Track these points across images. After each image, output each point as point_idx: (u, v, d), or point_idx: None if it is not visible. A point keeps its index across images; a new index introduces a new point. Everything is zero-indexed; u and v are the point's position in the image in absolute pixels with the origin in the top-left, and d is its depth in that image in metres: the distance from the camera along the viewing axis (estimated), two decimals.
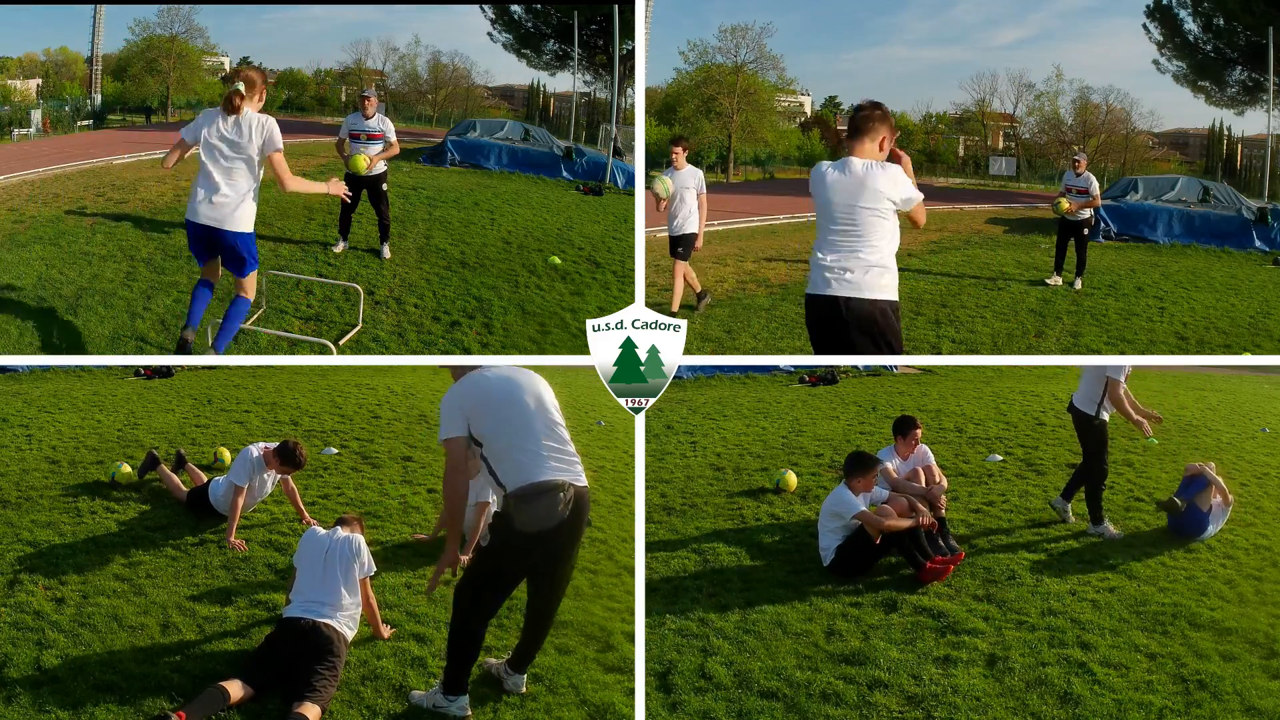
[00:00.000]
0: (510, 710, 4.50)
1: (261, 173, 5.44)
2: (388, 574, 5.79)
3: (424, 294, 8.33)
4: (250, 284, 5.67)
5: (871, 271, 4.44)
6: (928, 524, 5.95)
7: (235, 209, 5.34)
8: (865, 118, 4.52)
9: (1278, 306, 9.72)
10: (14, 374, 10.98)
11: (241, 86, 5.33)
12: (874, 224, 4.45)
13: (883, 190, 4.43)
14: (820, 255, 4.50)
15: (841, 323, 4.44)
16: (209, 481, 6.75)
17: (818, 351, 4.68)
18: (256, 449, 6.50)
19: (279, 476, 6.58)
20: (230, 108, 5.34)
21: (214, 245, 5.43)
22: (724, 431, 9.44)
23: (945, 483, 6.74)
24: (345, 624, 4.80)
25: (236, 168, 5.37)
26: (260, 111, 5.49)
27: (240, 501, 6.31)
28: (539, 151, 14.69)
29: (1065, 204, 10.03)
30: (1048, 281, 10.17)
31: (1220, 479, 6.81)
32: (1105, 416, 6.76)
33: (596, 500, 7.41)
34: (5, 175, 11.51)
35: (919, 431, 6.72)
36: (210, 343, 5.80)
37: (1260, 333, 8.94)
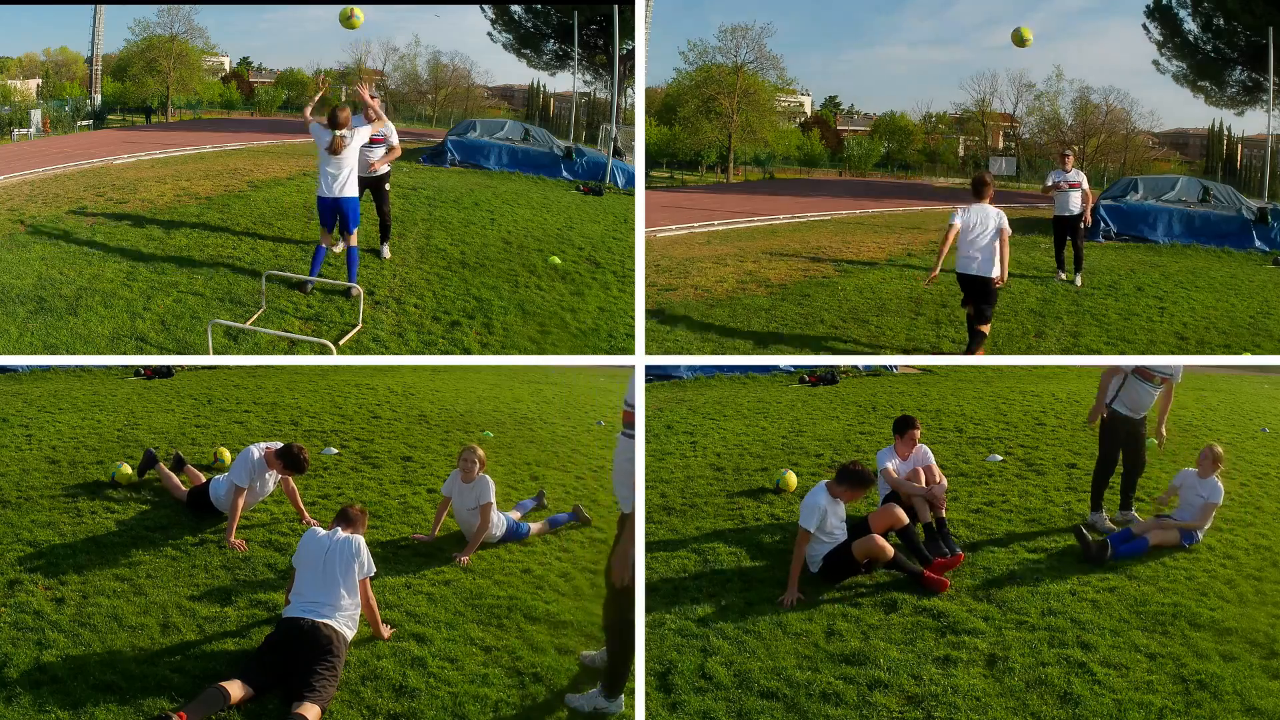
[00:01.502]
0: (510, 710, 4.51)
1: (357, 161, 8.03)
2: (388, 574, 5.79)
3: (424, 294, 8.33)
4: (354, 237, 8.22)
5: (994, 262, 7.49)
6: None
7: (346, 184, 7.97)
8: (987, 186, 7.62)
9: (1278, 306, 9.72)
10: (14, 374, 10.98)
11: (340, 132, 7.83)
12: (994, 242, 7.48)
13: (1003, 226, 7.49)
14: (965, 253, 7.53)
15: (977, 285, 7.55)
16: (209, 481, 6.75)
17: (965, 295, 7.67)
18: (258, 449, 6.49)
19: (280, 476, 6.58)
20: (335, 150, 7.82)
21: (338, 210, 8.02)
22: (724, 431, 9.44)
23: (945, 482, 6.74)
24: (345, 624, 4.81)
25: (346, 164, 7.93)
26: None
27: (241, 502, 6.31)
28: (539, 151, 14.69)
29: (1026, 32, 9.28)
30: (1055, 279, 10.21)
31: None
32: (1117, 409, 6.81)
33: (596, 500, 7.41)
34: (5, 175, 11.51)
35: (917, 432, 6.71)
36: (349, 279, 8.13)
37: (1260, 333, 8.94)
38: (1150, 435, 7.06)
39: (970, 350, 7.81)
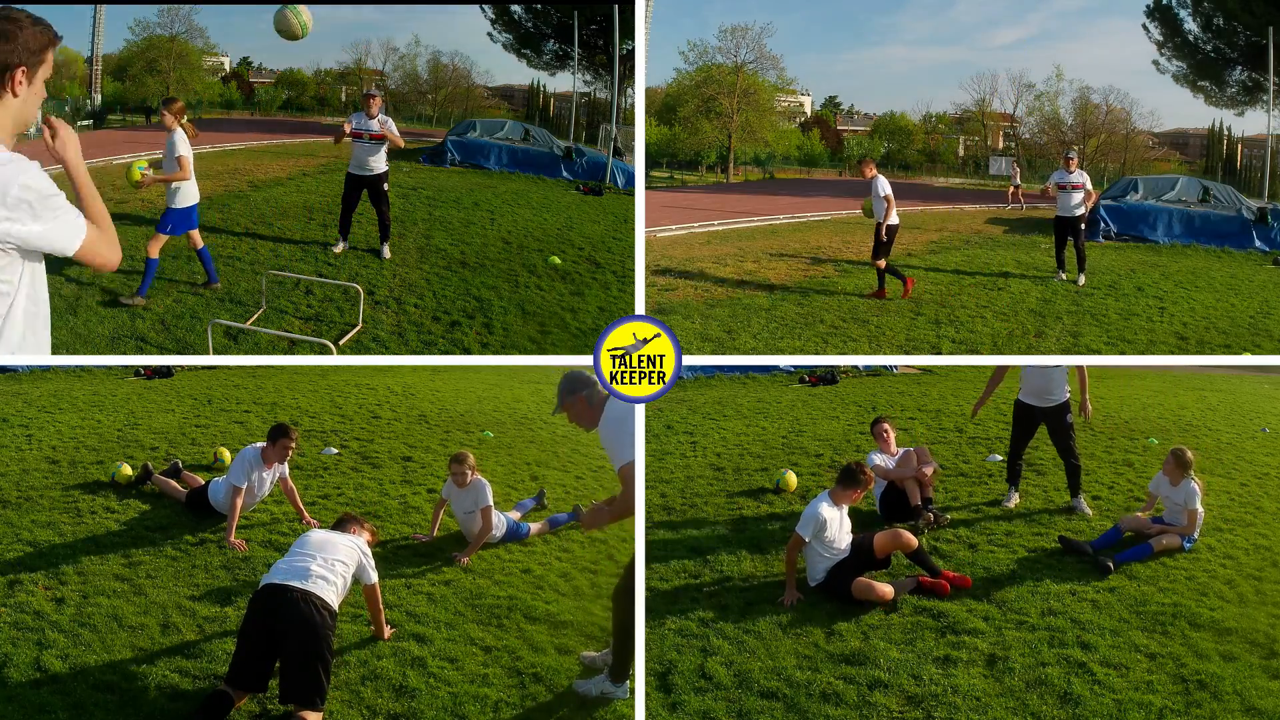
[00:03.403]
0: (510, 710, 4.51)
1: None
2: (388, 574, 5.79)
3: (424, 294, 8.33)
4: (197, 237, 8.09)
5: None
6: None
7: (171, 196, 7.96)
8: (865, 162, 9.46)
9: (1278, 306, 9.72)
10: (14, 374, 10.98)
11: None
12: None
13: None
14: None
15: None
16: (208, 483, 6.75)
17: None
18: (253, 448, 6.50)
19: (278, 474, 6.58)
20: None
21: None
22: (724, 431, 9.44)
23: (936, 466, 7.10)
24: (332, 595, 4.54)
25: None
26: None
27: (239, 502, 6.31)
28: (539, 151, 14.70)
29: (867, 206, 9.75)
30: (1055, 279, 10.22)
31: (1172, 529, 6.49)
32: (1021, 399, 7.24)
33: (597, 500, 7.41)
34: None
35: (885, 426, 7.16)
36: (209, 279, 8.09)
37: (1260, 333, 8.94)
38: (1077, 414, 7.29)
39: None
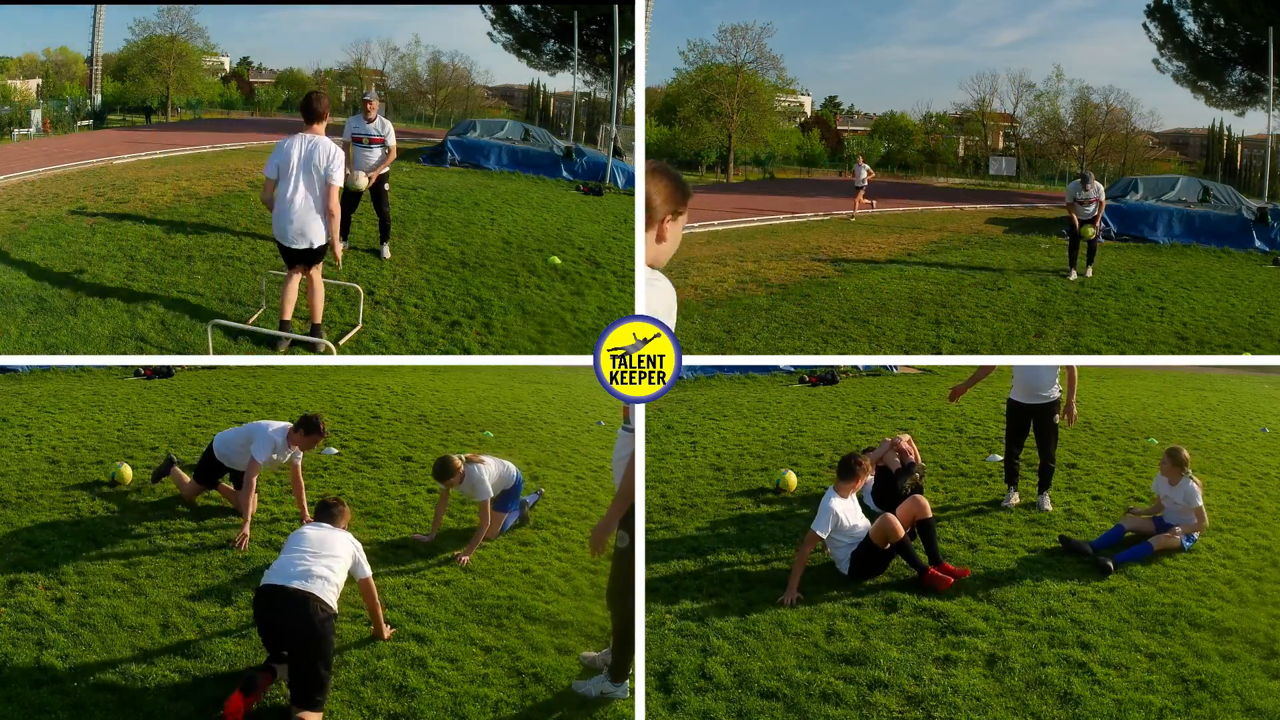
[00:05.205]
0: (510, 710, 4.51)
1: None
2: (388, 574, 5.79)
3: (424, 294, 8.33)
4: None
5: None
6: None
7: None
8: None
9: (1278, 306, 9.72)
10: (14, 374, 10.98)
11: None
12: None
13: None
14: None
15: None
16: (210, 445, 6.80)
17: None
18: (278, 429, 6.53)
19: (290, 458, 6.59)
20: None
21: None
22: (724, 431, 9.44)
23: (916, 452, 7.11)
24: (332, 596, 4.58)
25: None
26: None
27: (255, 480, 6.41)
28: (539, 151, 14.69)
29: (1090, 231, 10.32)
30: (1069, 277, 10.35)
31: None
32: (1011, 397, 7.28)
33: (596, 500, 7.42)
34: (5, 175, 11.50)
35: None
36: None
37: (1260, 333, 8.94)
38: (1060, 416, 7.29)
39: None
